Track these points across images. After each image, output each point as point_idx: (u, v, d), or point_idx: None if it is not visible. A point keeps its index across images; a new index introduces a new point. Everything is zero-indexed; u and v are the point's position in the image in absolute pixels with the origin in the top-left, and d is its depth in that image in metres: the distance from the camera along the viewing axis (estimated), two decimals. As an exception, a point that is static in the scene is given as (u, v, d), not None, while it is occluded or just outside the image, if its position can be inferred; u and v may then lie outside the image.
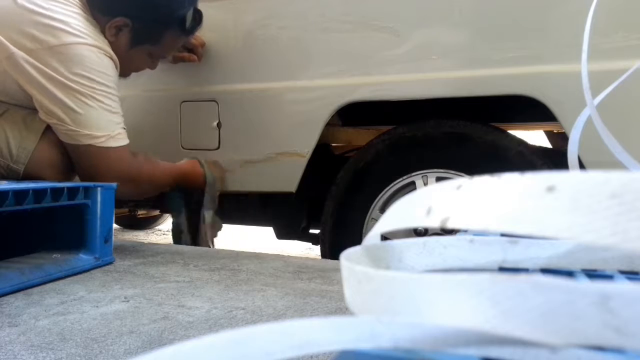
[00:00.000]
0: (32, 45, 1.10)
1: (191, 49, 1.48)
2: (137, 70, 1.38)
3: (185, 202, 1.52)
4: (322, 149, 1.46)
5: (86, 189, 0.97)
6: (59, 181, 1.13)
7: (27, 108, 1.18)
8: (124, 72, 1.32)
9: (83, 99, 1.12)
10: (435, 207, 0.21)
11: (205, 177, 1.45)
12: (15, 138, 1.15)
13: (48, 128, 1.16)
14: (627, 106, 1.07)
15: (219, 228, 1.54)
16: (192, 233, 1.52)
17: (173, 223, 1.53)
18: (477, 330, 0.18)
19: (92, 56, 1.13)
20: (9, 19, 1.11)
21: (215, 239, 1.54)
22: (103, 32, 1.20)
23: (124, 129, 1.22)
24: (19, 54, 1.09)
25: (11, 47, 1.09)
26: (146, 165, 1.30)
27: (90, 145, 1.15)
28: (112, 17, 1.20)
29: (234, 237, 2.75)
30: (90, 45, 1.14)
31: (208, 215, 1.48)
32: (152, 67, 1.39)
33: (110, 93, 1.16)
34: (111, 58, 1.19)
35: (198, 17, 1.32)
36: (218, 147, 1.51)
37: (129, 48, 1.26)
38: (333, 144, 1.71)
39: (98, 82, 1.14)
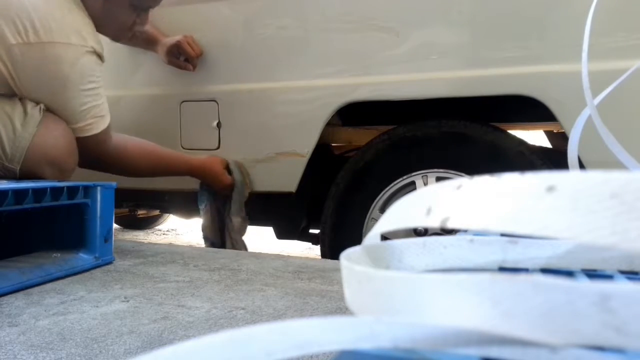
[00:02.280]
0: (14, 38, 1.11)
1: (187, 59, 1.49)
2: (124, 27, 1.31)
3: (213, 202, 1.51)
4: (322, 149, 1.46)
5: (86, 188, 0.97)
6: (59, 179, 1.13)
7: (14, 96, 1.18)
8: (112, 32, 1.31)
9: (53, 97, 1.16)
10: (435, 207, 0.21)
11: (234, 181, 1.44)
12: (8, 137, 1.13)
13: (40, 125, 1.15)
14: (627, 106, 1.07)
15: (244, 228, 1.54)
16: (216, 235, 1.51)
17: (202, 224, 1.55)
18: (477, 330, 0.18)
19: (75, 59, 1.15)
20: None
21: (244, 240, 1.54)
22: None
23: (102, 116, 1.24)
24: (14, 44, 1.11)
25: (11, 38, 1.11)
26: (119, 154, 1.32)
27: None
28: None
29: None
30: (68, 44, 1.14)
31: (236, 222, 1.47)
32: (142, 21, 1.33)
33: (86, 90, 1.19)
34: (94, 54, 1.19)
35: None
36: (218, 147, 1.51)
37: (105, 1, 1.23)
38: (333, 144, 1.71)
39: (76, 85, 1.16)
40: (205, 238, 1.53)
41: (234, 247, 1.49)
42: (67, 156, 1.18)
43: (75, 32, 1.16)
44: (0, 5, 1.12)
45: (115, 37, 1.35)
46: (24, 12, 1.12)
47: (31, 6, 1.12)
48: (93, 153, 1.25)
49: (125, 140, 1.35)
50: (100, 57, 1.22)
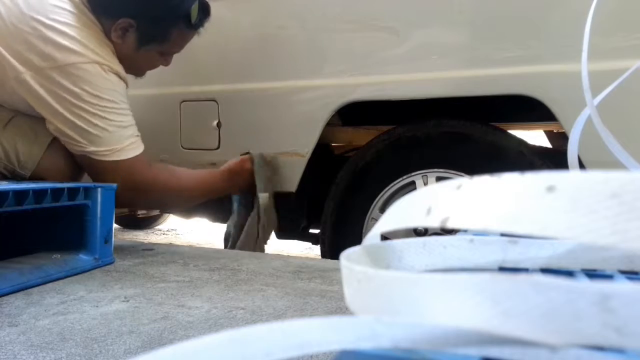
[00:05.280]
0: (40, 63, 1.09)
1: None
2: (150, 68, 1.35)
3: (245, 206, 1.45)
4: (322, 149, 1.46)
5: (86, 189, 0.97)
6: None
7: (35, 116, 1.18)
8: (137, 71, 1.32)
9: (91, 118, 1.12)
10: (435, 207, 0.21)
11: (253, 162, 1.40)
12: (24, 145, 1.16)
13: (56, 137, 1.17)
14: (627, 106, 1.07)
15: (273, 226, 1.46)
16: (237, 233, 1.43)
17: (227, 226, 1.48)
18: (477, 330, 0.18)
19: (98, 74, 1.13)
20: (17, 30, 1.10)
21: (266, 240, 1.45)
22: (108, 35, 1.19)
23: (138, 136, 1.20)
24: (28, 74, 1.09)
25: (19, 66, 1.09)
26: (164, 174, 1.27)
27: (100, 161, 1.15)
28: (117, 18, 1.18)
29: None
30: (95, 62, 1.13)
31: (263, 198, 1.38)
32: (166, 63, 1.35)
33: (118, 108, 1.15)
34: (117, 74, 1.17)
35: (205, 9, 1.28)
36: (218, 147, 1.51)
37: (137, 48, 1.24)
38: (333, 144, 1.71)
39: (106, 100, 1.13)
40: (230, 242, 1.45)
41: (256, 240, 1.40)
42: (77, 169, 1.20)
43: (97, 55, 1.14)
44: (23, 29, 1.09)
45: (138, 75, 1.36)
46: (47, 36, 1.09)
47: (53, 32, 1.10)
48: (126, 182, 1.14)
49: (169, 170, 1.29)
50: (121, 78, 1.19)
